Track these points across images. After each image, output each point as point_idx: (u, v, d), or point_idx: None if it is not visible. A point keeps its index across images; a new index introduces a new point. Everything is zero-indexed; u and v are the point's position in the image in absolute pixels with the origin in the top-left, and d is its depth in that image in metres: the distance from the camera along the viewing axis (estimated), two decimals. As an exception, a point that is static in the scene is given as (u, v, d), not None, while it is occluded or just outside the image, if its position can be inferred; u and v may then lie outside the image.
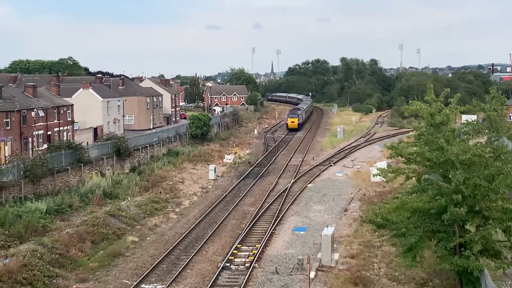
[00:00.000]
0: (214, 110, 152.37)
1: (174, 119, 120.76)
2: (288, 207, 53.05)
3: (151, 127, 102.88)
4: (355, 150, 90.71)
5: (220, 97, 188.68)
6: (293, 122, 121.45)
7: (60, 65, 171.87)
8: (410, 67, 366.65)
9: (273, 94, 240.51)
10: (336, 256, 38.49)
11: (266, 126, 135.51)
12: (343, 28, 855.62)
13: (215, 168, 70.64)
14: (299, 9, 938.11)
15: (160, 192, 59.72)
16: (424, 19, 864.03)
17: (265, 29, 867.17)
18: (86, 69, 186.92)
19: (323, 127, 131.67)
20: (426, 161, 26.63)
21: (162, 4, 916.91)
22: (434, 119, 26.80)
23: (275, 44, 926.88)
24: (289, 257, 39.14)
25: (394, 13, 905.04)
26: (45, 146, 66.67)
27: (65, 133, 73.94)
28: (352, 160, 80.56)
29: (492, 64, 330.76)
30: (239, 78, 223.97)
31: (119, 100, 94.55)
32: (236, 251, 40.16)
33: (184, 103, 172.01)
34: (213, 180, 68.45)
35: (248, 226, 46.57)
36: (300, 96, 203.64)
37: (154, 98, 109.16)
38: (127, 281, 35.18)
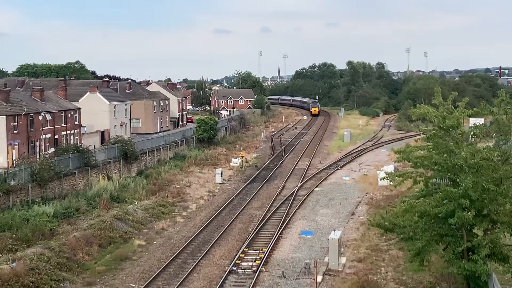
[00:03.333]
0: (221, 113, 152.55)
1: (181, 123, 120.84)
2: (295, 211, 52.96)
3: (158, 131, 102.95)
4: (362, 154, 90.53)
5: (227, 100, 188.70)
6: (315, 109, 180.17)
7: (67, 69, 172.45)
8: (417, 71, 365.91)
9: (272, 97, 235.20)
10: (343, 260, 38.38)
11: (273, 129, 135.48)
12: (350, 31, 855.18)
13: (222, 172, 70.60)
14: (307, 14, 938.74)
15: (167, 196, 59.73)
16: (431, 23, 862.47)
17: (273, 33, 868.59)
18: (93, 73, 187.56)
19: (330, 130, 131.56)
20: (434, 165, 26.53)
21: (170, 9, 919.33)
22: (445, 122, 26.69)
23: (283, 48, 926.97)
24: (296, 261, 39.07)
25: (401, 16, 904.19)
26: (52, 149, 66.82)
27: (72, 136, 74.09)
28: (359, 164, 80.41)
29: (500, 67, 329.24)
30: (246, 81, 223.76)
31: (126, 104, 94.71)
32: (243, 255, 40.10)
33: (191, 106, 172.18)
34: (220, 183, 68.43)
35: (255, 230, 46.51)
36: (305, 99, 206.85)
37: (161, 101, 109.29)
38: (134, 285, 35.18)
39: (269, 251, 40.66)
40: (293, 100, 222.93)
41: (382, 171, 57.75)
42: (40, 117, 66.63)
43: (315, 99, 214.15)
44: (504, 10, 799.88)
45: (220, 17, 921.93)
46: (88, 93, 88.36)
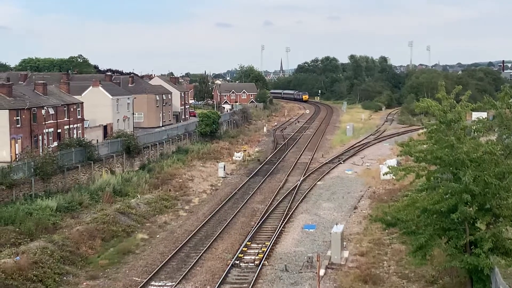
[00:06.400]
0: (224, 107, 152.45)
1: (183, 117, 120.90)
2: (298, 205, 53.01)
3: (161, 125, 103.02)
4: (364, 148, 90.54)
5: (230, 94, 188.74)
6: (306, 96, 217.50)
7: (70, 63, 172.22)
8: (420, 64, 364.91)
9: (274, 91, 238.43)
10: (345, 253, 38.43)
11: (276, 123, 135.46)
12: (353, 25, 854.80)
13: (224, 166, 70.64)
14: (310, 7, 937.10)
15: (170, 190, 59.78)
16: (434, 16, 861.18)
17: (276, 26, 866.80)
18: (96, 67, 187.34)
19: (332, 124, 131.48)
20: (436, 160, 26.50)
21: (172, 2, 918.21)
22: (446, 116, 26.65)
23: (285, 41, 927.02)
24: (298, 254, 39.14)
25: (404, 10, 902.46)
26: (55, 143, 66.92)
27: (75, 130, 74.17)
28: (362, 158, 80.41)
29: (503, 61, 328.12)
30: (248, 75, 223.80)
31: (128, 98, 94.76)
32: (246, 249, 40.19)
33: (193, 100, 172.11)
34: (223, 177, 68.49)
35: (257, 224, 46.58)
36: (292, 91, 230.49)
37: (164, 95, 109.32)
38: (137, 279, 35.28)
39: (272, 245, 40.73)
40: (295, 93, 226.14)
41: (384, 165, 57.74)
42: (43, 111, 66.71)
43: (318, 93, 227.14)
44: (507, 4, 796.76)
45: (222, 11, 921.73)
46: (91, 87, 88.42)
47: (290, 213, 50.08)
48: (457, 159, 25.49)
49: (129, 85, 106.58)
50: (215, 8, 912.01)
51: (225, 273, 35.37)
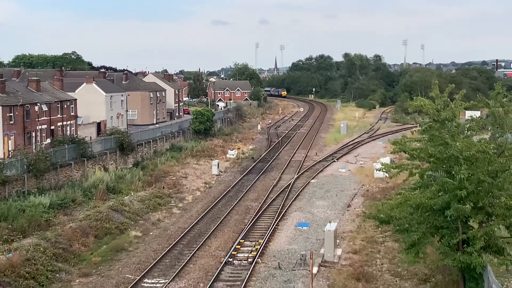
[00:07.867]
0: (218, 105, 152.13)
1: (177, 114, 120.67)
2: (291, 203, 53.05)
3: (155, 122, 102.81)
4: (358, 146, 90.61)
5: (224, 92, 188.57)
6: (284, 92, 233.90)
7: (63, 59, 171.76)
8: (414, 63, 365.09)
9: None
10: (339, 251, 38.51)
11: (270, 121, 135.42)
12: (348, 24, 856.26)
13: (218, 164, 70.62)
14: (306, 5, 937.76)
15: (163, 187, 59.71)
16: (428, 15, 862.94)
17: (271, 24, 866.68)
18: (89, 64, 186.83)
19: (326, 122, 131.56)
20: (430, 157, 26.56)
21: (169, 0, 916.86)
22: (440, 114, 26.71)
23: (281, 39, 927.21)
24: (292, 252, 39.19)
25: (398, 9, 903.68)
26: (49, 140, 66.68)
27: (68, 127, 73.92)
28: (356, 156, 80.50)
29: (496, 60, 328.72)
30: (243, 73, 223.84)
31: (122, 95, 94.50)
32: (239, 246, 40.22)
33: (187, 98, 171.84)
34: (216, 175, 68.45)
35: (251, 222, 46.61)
36: (267, 88, 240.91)
37: (158, 93, 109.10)
38: (130, 276, 35.25)
39: (265, 243, 40.77)
40: (272, 90, 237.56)
41: (378, 163, 57.82)
42: (36, 108, 66.45)
43: (312, 91, 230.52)
44: (501, 3, 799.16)
45: (218, 8, 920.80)
46: (85, 84, 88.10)
47: (284, 211, 50.12)
48: (451, 156, 25.55)
49: (123, 82, 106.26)
50: (211, 5, 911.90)
51: (218, 270, 35.39)
